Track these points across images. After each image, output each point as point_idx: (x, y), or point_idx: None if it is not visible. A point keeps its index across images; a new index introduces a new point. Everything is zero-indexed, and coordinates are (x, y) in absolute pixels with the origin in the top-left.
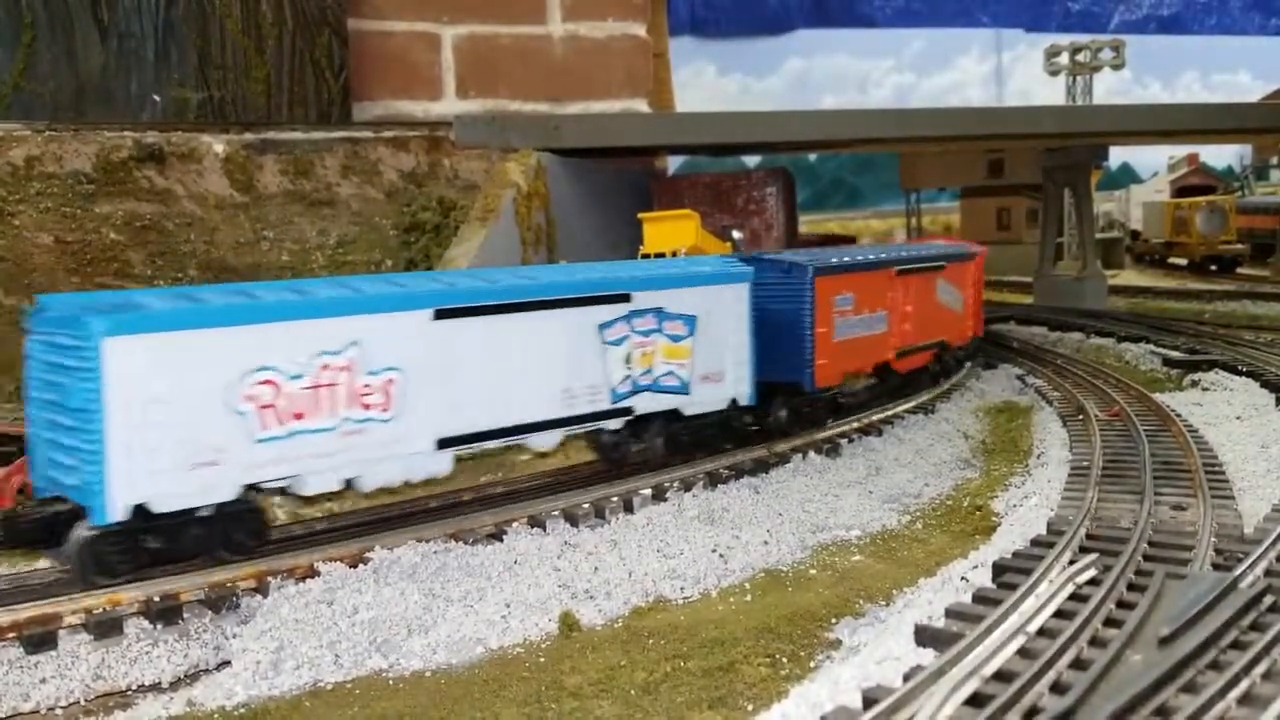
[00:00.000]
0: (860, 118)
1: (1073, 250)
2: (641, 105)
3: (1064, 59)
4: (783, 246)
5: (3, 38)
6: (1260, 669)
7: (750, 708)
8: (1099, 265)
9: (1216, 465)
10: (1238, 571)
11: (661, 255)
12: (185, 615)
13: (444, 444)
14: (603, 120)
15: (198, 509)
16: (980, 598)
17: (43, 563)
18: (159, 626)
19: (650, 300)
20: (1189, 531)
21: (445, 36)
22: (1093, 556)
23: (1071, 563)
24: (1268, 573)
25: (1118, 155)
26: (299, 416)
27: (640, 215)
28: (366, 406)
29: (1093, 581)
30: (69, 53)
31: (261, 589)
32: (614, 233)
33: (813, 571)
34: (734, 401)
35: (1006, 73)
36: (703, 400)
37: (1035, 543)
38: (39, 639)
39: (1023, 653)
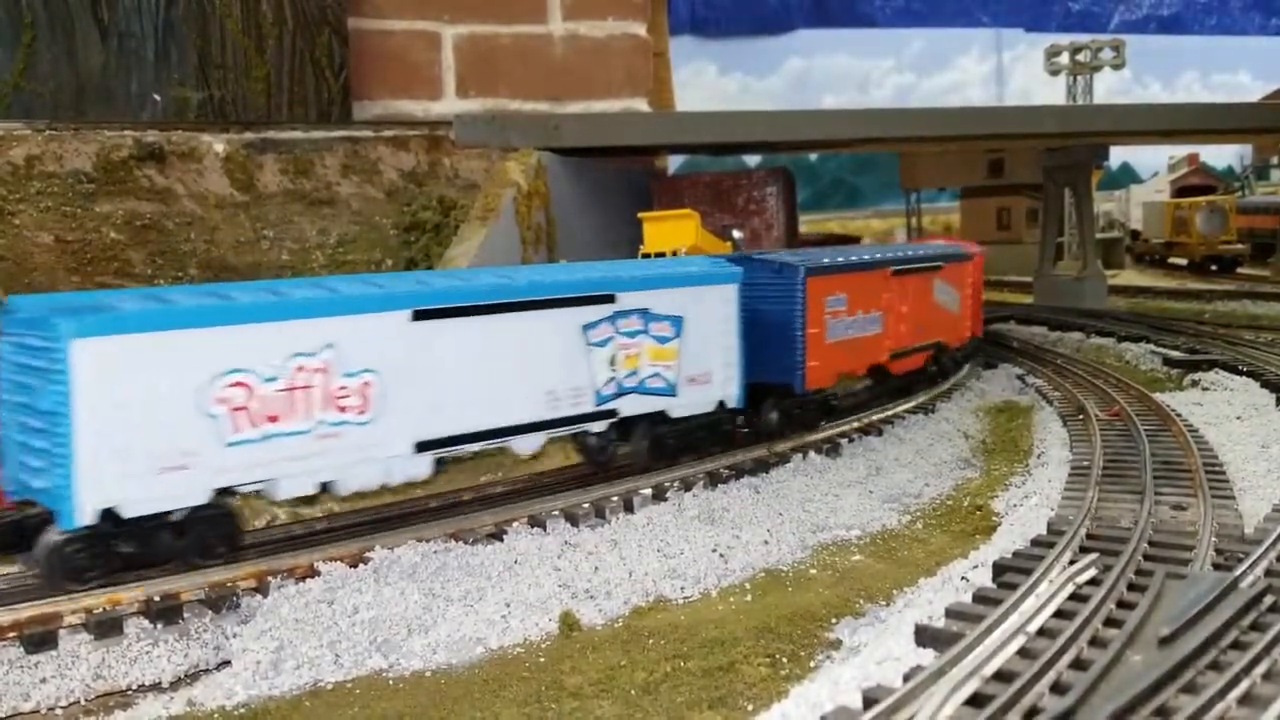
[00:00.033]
0: (860, 117)
1: (1073, 250)
2: (642, 105)
3: (1064, 59)
4: (783, 246)
5: (3, 37)
6: (1260, 669)
7: (750, 708)
8: (1099, 265)
9: (1217, 465)
10: (1238, 571)
11: (661, 255)
12: (185, 615)
13: (423, 447)
14: (603, 120)
15: (169, 513)
16: (980, 598)
17: (15, 567)
18: (159, 626)
19: (635, 301)
20: (1189, 531)
21: (445, 36)
22: (1093, 556)
23: (1072, 563)
24: (1268, 573)
25: (1118, 155)
26: (273, 419)
27: (640, 215)
28: (342, 409)
29: (1093, 581)
30: (69, 52)
31: (262, 589)
32: (614, 232)
33: (813, 571)
34: (722, 404)
35: (1006, 73)
36: (690, 402)
37: (1035, 542)
38: (39, 639)
39: (1023, 653)
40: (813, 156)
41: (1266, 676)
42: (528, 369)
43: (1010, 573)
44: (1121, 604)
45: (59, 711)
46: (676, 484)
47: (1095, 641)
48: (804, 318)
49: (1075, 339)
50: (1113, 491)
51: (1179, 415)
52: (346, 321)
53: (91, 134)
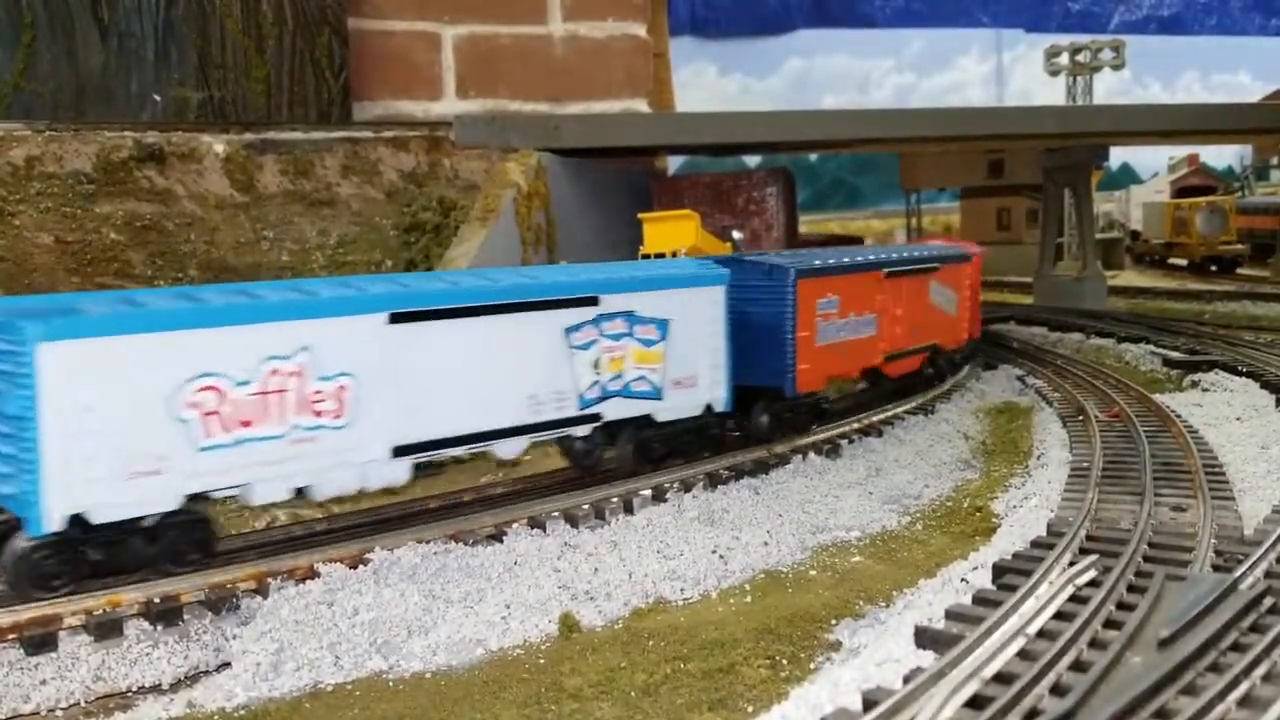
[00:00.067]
0: (860, 118)
1: (1073, 250)
2: (642, 105)
3: (1064, 59)
4: (783, 246)
5: (3, 38)
6: (1260, 671)
7: (750, 709)
8: (1099, 266)
9: (1216, 466)
10: (1238, 573)
11: (661, 255)
12: (185, 617)
13: (400, 452)
14: (603, 120)
15: (141, 519)
16: (980, 599)
17: None
18: (159, 628)
19: (620, 303)
20: (1189, 533)
21: (445, 36)
22: (1093, 558)
23: (1071, 564)
24: (1268, 574)
25: (1118, 156)
26: (246, 424)
27: (640, 215)
28: (318, 413)
29: (1093, 583)
30: (69, 52)
31: (261, 590)
32: (614, 233)
33: (813, 573)
34: (710, 407)
35: (1006, 73)
36: (676, 406)
37: (1035, 544)
38: (39, 640)
39: (1023, 654)
40: (813, 157)
41: (1266, 678)
42: (509, 372)
43: (1010, 574)
44: (1121, 606)
45: (59, 713)
46: (676, 485)
47: (1095, 643)
48: (794, 320)
49: (1075, 340)
50: (1112, 493)
51: (1179, 416)
52: (321, 324)
53: (91, 134)
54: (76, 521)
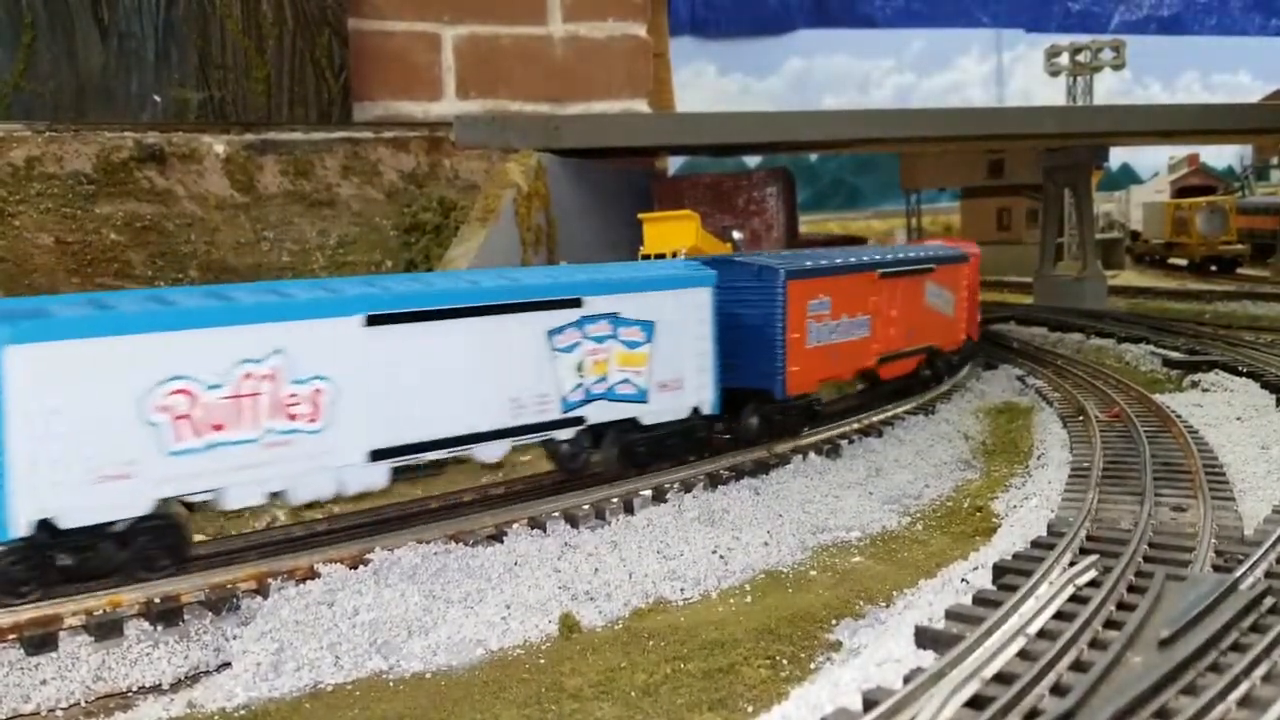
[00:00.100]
0: (861, 118)
1: (1073, 250)
2: (642, 105)
3: (1064, 59)
4: (783, 247)
5: (3, 38)
6: (1261, 671)
7: (750, 709)
8: (1099, 266)
9: (1217, 466)
10: (1238, 573)
11: (661, 256)
12: (185, 617)
13: (378, 456)
14: (603, 121)
15: (111, 524)
16: (980, 599)
17: None
18: (159, 628)
19: (604, 305)
20: (1189, 533)
21: (445, 37)
22: (1093, 558)
23: (1072, 564)
24: (1268, 574)
25: (1118, 156)
26: (218, 428)
27: (640, 216)
28: (292, 417)
29: (1093, 583)
30: (69, 53)
31: (261, 590)
32: (614, 233)
33: (813, 573)
34: (697, 410)
35: (1007, 73)
36: (662, 409)
37: (1035, 544)
38: (39, 640)
39: (1023, 655)
40: (813, 157)
41: (1266, 678)
42: (489, 375)
43: (1010, 574)
44: (1121, 606)
45: (59, 713)
46: (676, 485)
47: (1095, 643)
48: (784, 321)
49: (1075, 340)
50: (1113, 493)
51: (1179, 416)
52: (295, 326)
53: (92, 135)
54: (44, 526)
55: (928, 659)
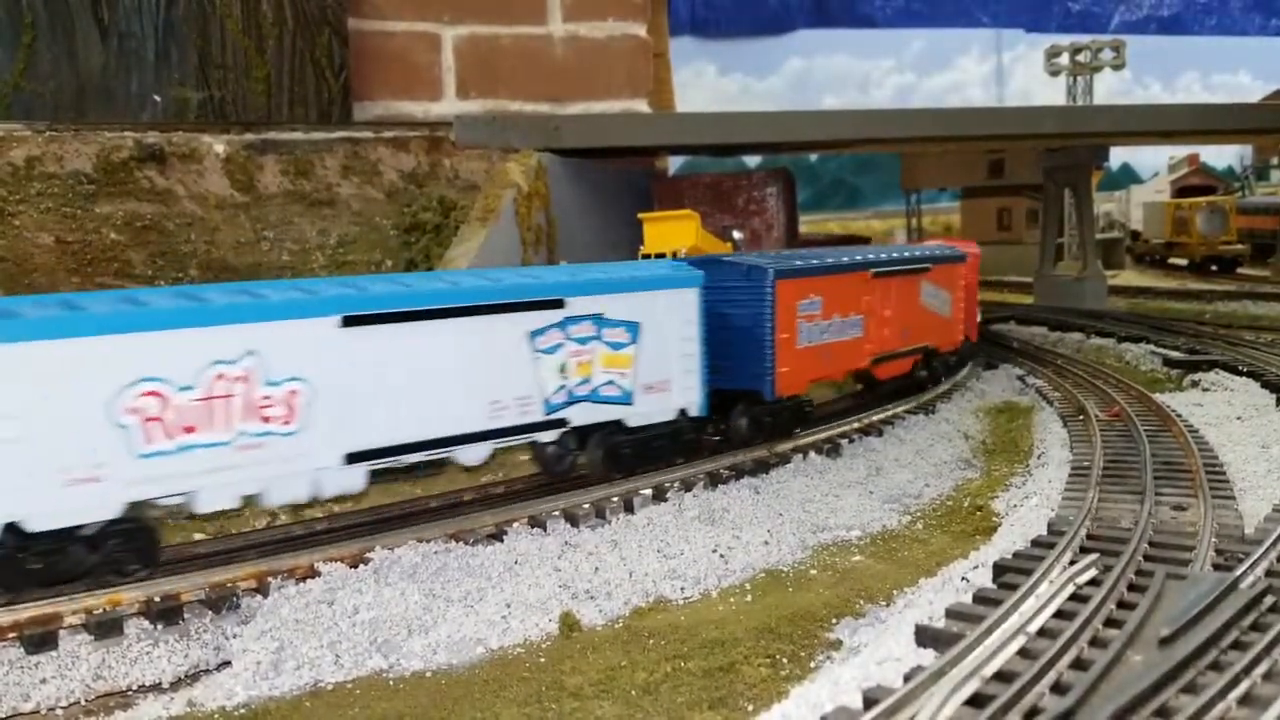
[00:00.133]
0: (861, 118)
1: (1073, 250)
2: (642, 105)
3: (1064, 59)
4: (783, 247)
5: (3, 38)
6: (1261, 669)
7: (750, 708)
8: (1099, 265)
9: (1217, 465)
10: (1238, 572)
11: (661, 255)
12: (186, 615)
13: (354, 459)
14: (603, 120)
15: (81, 528)
16: (981, 598)
17: None
18: (159, 627)
19: (587, 306)
20: (1189, 532)
21: (445, 37)
22: (1093, 557)
23: (1072, 563)
24: (1268, 573)
25: (1118, 155)
26: (189, 430)
27: (640, 215)
28: (266, 419)
29: (1093, 582)
30: (69, 53)
31: (262, 589)
32: (614, 233)
33: (813, 572)
34: (684, 412)
35: (1007, 73)
36: (647, 411)
37: (1036, 543)
38: (39, 639)
39: (1023, 653)
40: (813, 157)
41: (1267, 677)
42: (469, 377)
43: (1010, 573)
44: (1122, 604)
45: (59, 712)
46: (676, 484)
47: (1095, 642)
48: (773, 322)
49: (1075, 339)
50: (1113, 492)
51: (1179, 416)
52: (269, 328)
53: (92, 135)
54: (11, 530)
55: (928, 657)
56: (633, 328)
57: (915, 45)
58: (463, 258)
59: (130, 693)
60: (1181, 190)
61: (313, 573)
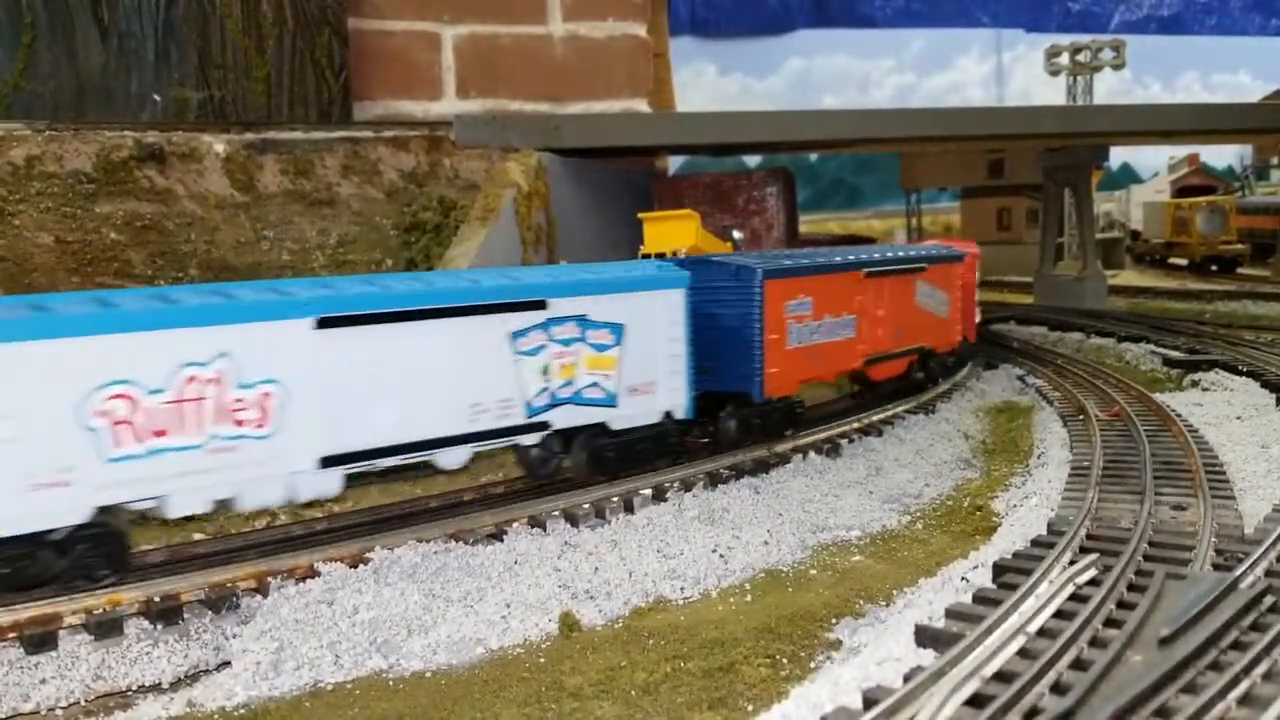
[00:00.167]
0: (861, 118)
1: (1073, 250)
2: (642, 105)
3: (1064, 59)
4: (783, 246)
5: (3, 38)
6: (1261, 669)
7: (750, 708)
8: (1099, 265)
9: (1217, 465)
10: (1238, 572)
11: (661, 255)
12: (185, 615)
13: (329, 462)
14: (603, 120)
15: (49, 532)
16: (980, 598)
17: None
18: (159, 627)
19: (571, 307)
20: (1189, 532)
21: (445, 36)
22: (1093, 557)
23: (1072, 563)
24: (1268, 573)
25: (1118, 155)
26: (160, 433)
27: (640, 215)
28: (239, 422)
29: (1093, 582)
30: (69, 52)
31: (261, 589)
32: (614, 233)
33: (813, 572)
34: (669, 414)
35: (1007, 73)
36: (632, 413)
37: (1035, 543)
38: (39, 639)
39: (1023, 653)
40: (813, 157)
41: (1266, 677)
42: (448, 379)
43: (1010, 573)
44: (1121, 604)
45: (59, 712)
46: (676, 484)
47: (1095, 642)
48: (762, 323)
49: (1075, 339)
50: (1113, 492)
51: (1179, 415)
52: (242, 329)
53: (91, 134)
54: None
55: (928, 657)
56: (617, 329)
57: (915, 45)
58: (463, 257)
59: (130, 693)
60: (1181, 190)
61: (312, 573)
